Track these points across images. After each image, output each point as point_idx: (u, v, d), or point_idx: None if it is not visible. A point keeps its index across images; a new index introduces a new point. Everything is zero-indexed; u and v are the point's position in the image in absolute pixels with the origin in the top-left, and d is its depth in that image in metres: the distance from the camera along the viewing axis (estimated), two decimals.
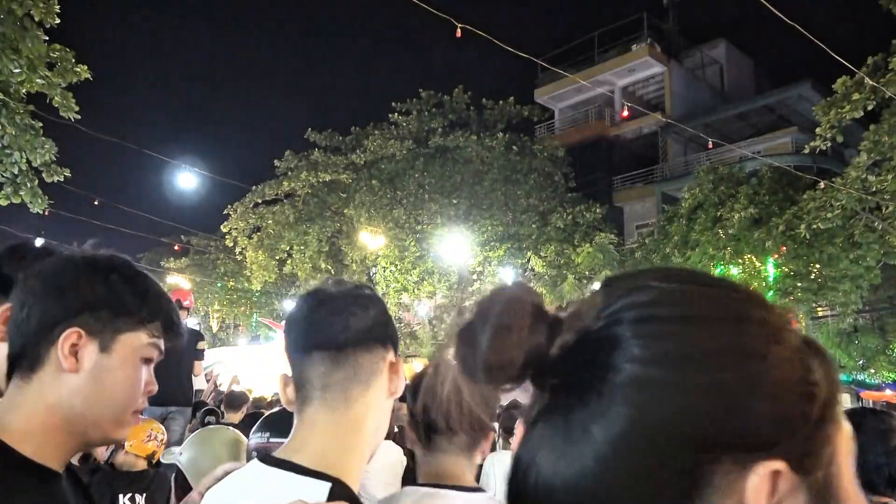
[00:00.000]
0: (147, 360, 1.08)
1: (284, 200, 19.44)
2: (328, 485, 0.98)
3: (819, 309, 14.62)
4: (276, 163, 19.22)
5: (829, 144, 10.43)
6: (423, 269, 18.16)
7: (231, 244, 19.94)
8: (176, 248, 25.24)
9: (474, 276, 18.35)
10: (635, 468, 0.43)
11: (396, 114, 18.99)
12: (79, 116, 8.37)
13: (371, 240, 17.80)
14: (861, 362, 15.51)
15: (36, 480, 0.96)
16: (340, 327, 1.07)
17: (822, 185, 11.59)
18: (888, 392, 16.09)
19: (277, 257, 19.44)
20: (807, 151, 10.86)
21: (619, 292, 0.49)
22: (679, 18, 25.72)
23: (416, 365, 21.79)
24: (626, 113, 23.23)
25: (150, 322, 1.08)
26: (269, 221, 19.30)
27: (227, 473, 1.17)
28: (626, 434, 0.44)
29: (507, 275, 17.92)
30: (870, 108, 9.96)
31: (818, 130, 10.43)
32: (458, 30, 6.24)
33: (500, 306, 0.48)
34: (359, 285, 1.15)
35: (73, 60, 8.14)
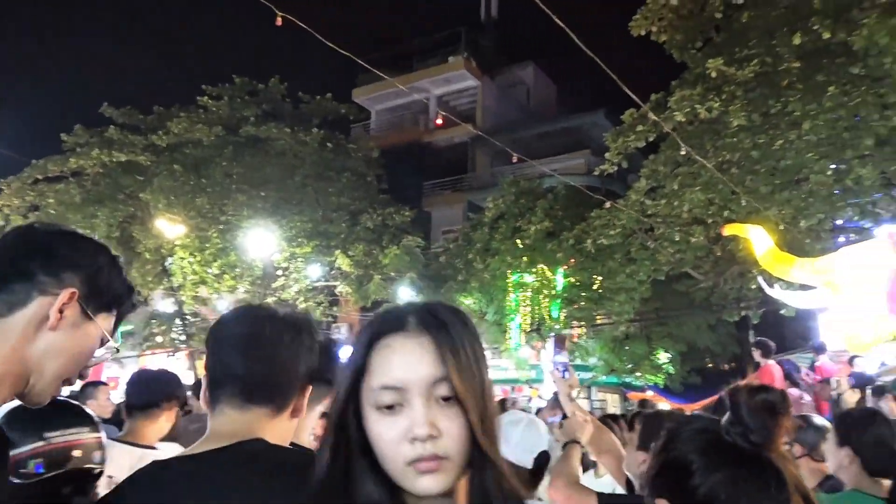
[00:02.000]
0: None
1: (71, 179, 17.57)
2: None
3: (598, 317, 15.98)
4: (64, 137, 17.37)
5: (616, 169, 11.31)
6: (225, 261, 17.33)
7: (2, 223, 17.69)
8: None
9: (279, 272, 17.87)
10: None
11: (206, 97, 17.93)
12: None
13: (169, 228, 16.64)
14: (630, 366, 17.26)
15: None
16: None
17: (607, 204, 12.62)
18: (649, 393, 18.08)
19: None
20: (597, 173, 11.77)
21: None
22: (494, 37, 27.03)
23: None
24: (439, 121, 23.93)
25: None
26: (51, 200, 17.36)
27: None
28: None
29: (314, 272, 17.68)
30: (650, 139, 10.96)
31: (607, 155, 11.22)
32: (279, 18, 6.04)
33: None
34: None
35: None
